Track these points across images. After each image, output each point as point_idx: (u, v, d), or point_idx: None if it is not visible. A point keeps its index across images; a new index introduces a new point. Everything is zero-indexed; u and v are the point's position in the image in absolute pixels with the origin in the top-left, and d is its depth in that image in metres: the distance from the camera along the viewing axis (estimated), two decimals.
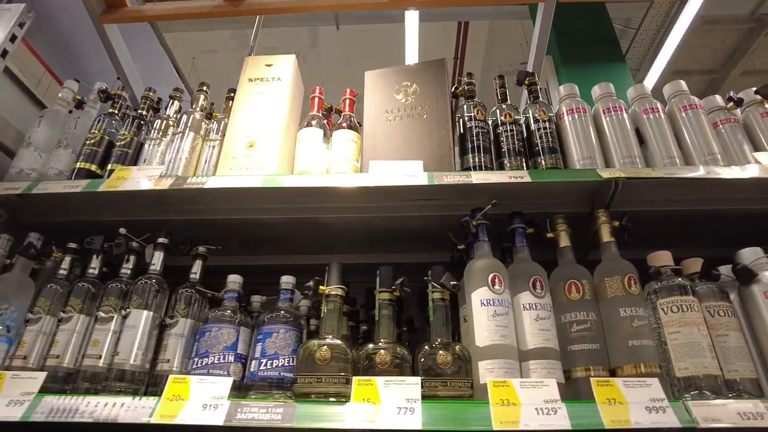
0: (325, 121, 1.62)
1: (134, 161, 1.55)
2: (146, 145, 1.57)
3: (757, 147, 1.46)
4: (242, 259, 1.67)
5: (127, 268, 1.38)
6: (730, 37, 6.95)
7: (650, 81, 5.50)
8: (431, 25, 6.20)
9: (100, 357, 1.23)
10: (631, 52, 6.05)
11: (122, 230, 1.38)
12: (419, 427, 1.02)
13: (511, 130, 1.47)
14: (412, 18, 4.51)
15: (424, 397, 1.08)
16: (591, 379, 1.08)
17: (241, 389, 1.21)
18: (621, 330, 1.17)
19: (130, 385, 1.20)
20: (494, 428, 1.00)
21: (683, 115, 1.48)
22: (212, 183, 1.36)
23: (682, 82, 1.55)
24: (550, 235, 1.35)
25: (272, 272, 1.39)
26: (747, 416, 1.02)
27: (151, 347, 1.26)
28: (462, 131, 1.49)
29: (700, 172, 1.29)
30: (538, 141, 1.45)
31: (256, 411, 1.06)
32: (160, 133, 1.58)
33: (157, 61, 3.18)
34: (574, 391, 1.14)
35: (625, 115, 1.47)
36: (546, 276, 1.27)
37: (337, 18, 6.78)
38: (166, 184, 1.37)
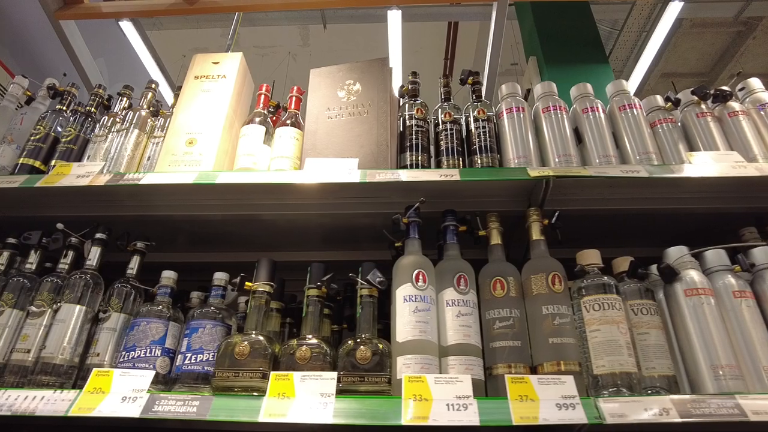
0: (271, 119, 1.62)
1: (79, 157, 1.56)
2: (91, 142, 1.58)
3: (692, 147, 1.47)
4: (189, 256, 1.69)
5: (64, 264, 1.39)
6: (719, 41, 6.98)
7: (634, 82, 5.51)
8: (423, 25, 6.22)
9: (28, 351, 1.24)
10: (614, 54, 6.07)
11: (59, 226, 1.39)
12: (330, 421, 1.03)
13: (451, 129, 1.48)
14: (394, 17, 4.52)
15: (342, 392, 1.09)
16: (505, 376, 1.09)
17: (167, 383, 1.22)
18: (543, 328, 1.18)
19: (57, 378, 1.21)
20: (403, 423, 1.01)
21: (622, 114, 1.49)
22: (148, 179, 1.37)
23: (624, 82, 1.57)
24: (482, 232, 1.36)
25: (218, 269, 1.39)
26: (654, 412, 1.03)
27: (81, 341, 1.27)
28: (402, 129, 1.50)
29: (626, 170, 1.29)
30: (476, 140, 1.46)
31: (173, 404, 1.07)
32: (107, 130, 1.59)
33: (132, 59, 3.18)
34: (495, 387, 1.15)
35: (564, 115, 1.48)
36: (473, 273, 1.28)
37: (324, 17, 6.80)
38: (102, 180, 1.38)
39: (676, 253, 1.27)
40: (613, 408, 1.03)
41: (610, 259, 1.34)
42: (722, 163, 1.35)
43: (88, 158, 1.54)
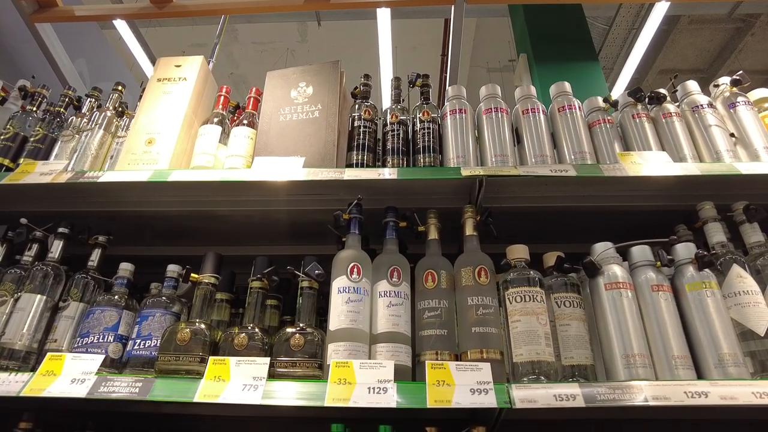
0: (231, 119, 1.70)
1: (46, 156, 1.64)
2: (59, 141, 1.66)
3: (628, 147, 1.53)
4: (152, 250, 1.77)
5: (28, 256, 1.48)
6: (718, 37, 6.98)
7: (624, 79, 5.54)
8: (421, 21, 6.26)
9: None
10: (605, 51, 6.09)
11: (23, 220, 1.47)
12: (259, 402, 1.11)
13: (397, 130, 1.55)
14: (383, 15, 4.58)
15: (276, 376, 1.18)
16: (426, 362, 1.17)
17: (119, 367, 1.31)
18: (468, 317, 1.26)
19: (16, 363, 1.30)
20: (326, 404, 1.09)
21: (561, 115, 1.55)
22: (106, 177, 1.45)
23: (566, 84, 1.63)
24: (421, 228, 1.44)
25: (179, 262, 1.47)
26: (561, 398, 1.10)
27: (41, 328, 1.36)
28: (351, 129, 1.57)
29: (555, 169, 1.36)
30: (420, 140, 1.53)
31: (118, 385, 1.16)
32: (74, 130, 1.67)
33: (116, 58, 3.26)
34: (421, 373, 1.22)
35: (504, 116, 1.55)
36: (408, 266, 1.35)
37: (317, 15, 6.87)
38: (64, 178, 1.47)
39: (600, 249, 1.34)
40: (523, 394, 1.11)
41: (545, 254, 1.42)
42: (651, 163, 1.41)
43: (55, 157, 1.63)
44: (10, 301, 1.37)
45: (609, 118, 1.56)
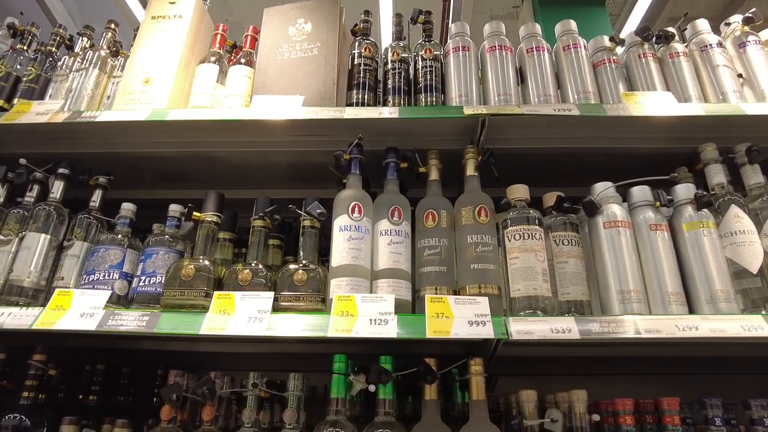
0: (228, 58, 1.66)
1: (41, 96, 1.61)
2: (53, 81, 1.63)
3: (632, 87, 1.51)
4: (152, 193, 1.77)
5: (30, 197, 1.48)
6: None
7: (631, 25, 5.37)
8: None
9: None
10: None
11: (22, 161, 1.47)
12: (263, 333, 1.15)
13: (399, 68, 1.52)
14: None
15: (280, 310, 1.21)
16: (426, 296, 1.20)
17: (126, 303, 1.34)
18: (467, 255, 1.28)
19: (25, 299, 1.33)
20: (329, 335, 1.13)
21: (565, 54, 1.52)
22: (103, 117, 1.43)
23: (572, 22, 1.58)
24: (422, 169, 1.43)
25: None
26: (557, 331, 1.14)
27: (47, 267, 1.38)
28: (351, 68, 1.54)
29: (558, 108, 1.34)
30: (422, 79, 1.50)
31: (126, 319, 1.19)
32: (68, 70, 1.64)
33: (105, 3, 3.14)
34: (421, 308, 1.25)
35: (508, 55, 1.51)
36: (408, 206, 1.36)
37: None
38: (61, 118, 1.45)
39: (600, 188, 1.35)
40: (520, 326, 1.14)
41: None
42: (655, 103, 1.39)
43: (50, 97, 1.60)
44: (15, 240, 1.39)
45: (614, 57, 1.53)
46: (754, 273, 1.26)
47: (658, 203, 1.33)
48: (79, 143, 1.60)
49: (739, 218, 1.32)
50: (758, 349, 1.61)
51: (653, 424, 1.29)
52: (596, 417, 1.22)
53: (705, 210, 1.32)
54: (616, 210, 1.32)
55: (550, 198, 1.40)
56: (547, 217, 1.36)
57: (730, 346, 1.60)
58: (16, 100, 1.58)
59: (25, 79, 1.61)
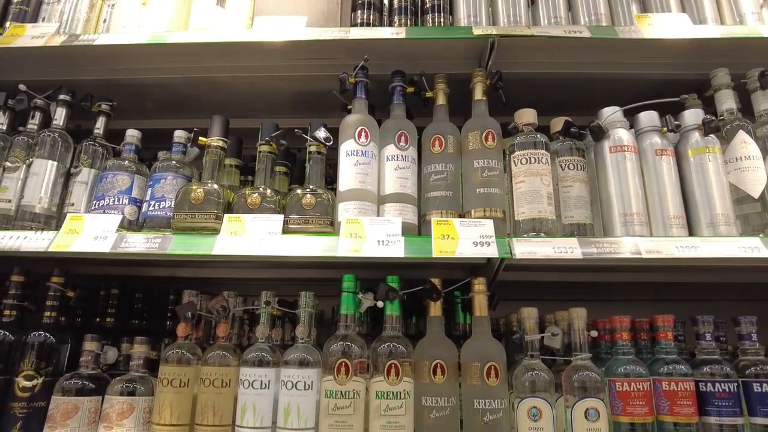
0: None
1: (33, 19, 1.56)
2: (45, 4, 1.57)
3: (646, 9, 1.45)
4: (155, 123, 1.75)
5: (33, 124, 1.47)
6: None
7: None
8: None
9: (9, 201, 1.36)
10: None
11: (22, 87, 1.44)
12: (275, 253, 1.18)
13: None
14: None
15: (290, 232, 1.23)
16: (432, 219, 1.23)
17: (136, 229, 1.36)
18: (473, 179, 1.29)
19: (38, 225, 1.35)
20: (338, 254, 1.16)
21: None
22: (102, 40, 1.39)
23: None
24: (429, 94, 1.41)
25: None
26: (560, 250, 1.17)
27: (57, 193, 1.40)
28: None
29: (569, 30, 1.31)
30: None
31: (138, 241, 1.22)
32: None
33: None
34: (427, 231, 1.28)
35: None
36: (415, 131, 1.35)
37: None
38: (58, 41, 1.41)
39: (608, 113, 1.34)
40: (523, 246, 1.17)
41: None
42: (668, 25, 1.35)
43: (43, 20, 1.54)
44: (22, 167, 1.39)
45: None
46: (756, 198, 1.28)
47: (665, 129, 1.33)
48: (78, 69, 1.57)
49: (745, 144, 1.32)
50: (750, 275, 1.66)
51: (647, 341, 1.36)
52: (594, 333, 1.28)
53: (712, 136, 1.32)
54: (622, 134, 1.32)
55: (557, 123, 1.39)
56: (554, 142, 1.36)
57: (724, 272, 1.65)
58: (8, 24, 1.53)
59: (15, 1, 1.55)
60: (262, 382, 1.17)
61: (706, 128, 1.31)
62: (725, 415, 1.17)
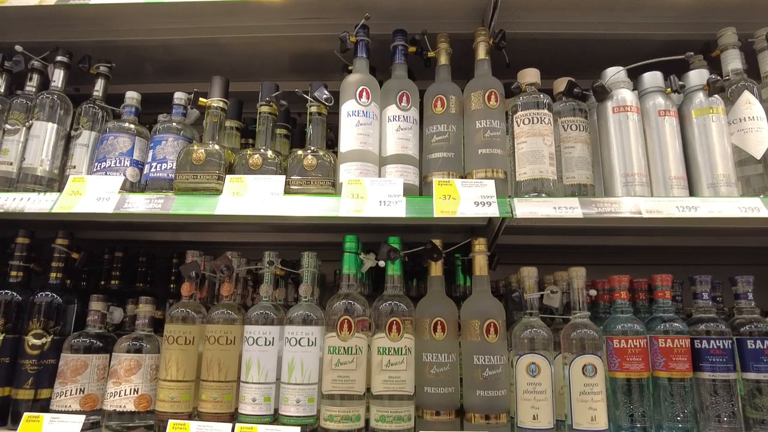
0: None
1: None
2: None
3: None
4: (155, 87, 1.73)
5: (31, 86, 1.46)
6: None
7: None
8: None
9: (11, 163, 1.36)
10: None
11: (18, 48, 1.42)
12: (277, 213, 1.18)
13: None
14: None
15: (292, 193, 1.24)
16: (433, 180, 1.23)
17: (138, 190, 1.36)
18: (475, 140, 1.29)
19: (40, 187, 1.35)
20: (340, 214, 1.16)
21: None
22: None
23: None
24: (431, 54, 1.39)
25: None
26: (560, 209, 1.17)
27: (58, 155, 1.39)
28: None
29: None
30: None
31: (141, 201, 1.23)
32: None
33: None
34: (429, 192, 1.28)
35: None
36: (417, 91, 1.34)
37: None
38: (52, 0, 1.38)
39: (611, 73, 1.32)
40: (524, 206, 1.18)
41: None
42: None
43: None
44: (22, 130, 1.39)
45: None
46: (758, 159, 1.27)
47: (669, 90, 1.31)
48: (74, 30, 1.54)
49: (750, 104, 1.31)
50: (749, 239, 1.67)
51: (645, 301, 1.38)
52: (593, 292, 1.30)
53: (716, 96, 1.31)
54: (625, 95, 1.31)
55: (560, 84, 1.37)
56: (557, 103, 1.35)
57: (724, 235, 1.66)
58: None
59: None
60: (266, 339, 1.20)
61: (711, 88, 1.30)
62: (719, 370, 1.20)
